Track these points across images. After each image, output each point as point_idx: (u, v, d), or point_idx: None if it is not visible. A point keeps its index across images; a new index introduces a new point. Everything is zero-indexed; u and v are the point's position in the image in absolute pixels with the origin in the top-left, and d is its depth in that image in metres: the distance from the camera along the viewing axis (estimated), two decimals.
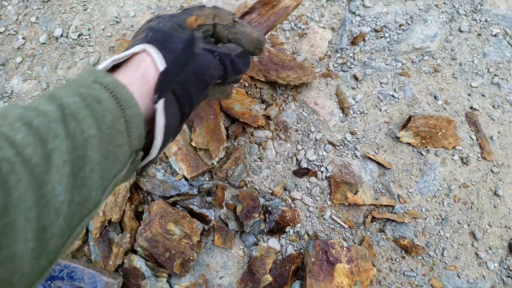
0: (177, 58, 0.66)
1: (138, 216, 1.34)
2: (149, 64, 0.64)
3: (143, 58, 0.65)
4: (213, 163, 1.32)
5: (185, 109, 0.70)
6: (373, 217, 1.27)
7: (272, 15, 1.03)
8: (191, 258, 1.25)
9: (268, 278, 1.21)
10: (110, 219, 1.28)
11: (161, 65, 0.64)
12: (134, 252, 1.29)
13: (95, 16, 1.52)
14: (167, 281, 1.28)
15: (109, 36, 1.51)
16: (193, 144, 1.31)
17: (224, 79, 0.80)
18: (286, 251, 1.28)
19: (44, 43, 1.52)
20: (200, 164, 1.33)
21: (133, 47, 0.66)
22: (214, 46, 0.78)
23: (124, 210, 1.30)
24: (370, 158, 1.31)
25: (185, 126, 1.36)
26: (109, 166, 0.53)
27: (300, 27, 1.44)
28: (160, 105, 0.62)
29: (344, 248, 1.21)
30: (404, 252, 1.24)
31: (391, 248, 1.25)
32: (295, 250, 1.29)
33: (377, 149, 1.33)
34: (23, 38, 1.54)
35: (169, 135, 0.67)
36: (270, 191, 1.34)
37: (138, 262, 1.25)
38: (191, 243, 1.26)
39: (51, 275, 1.12)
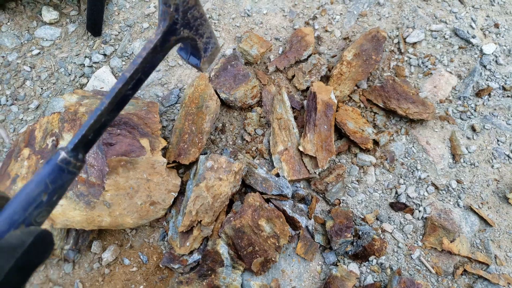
0: None
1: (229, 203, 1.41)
2: None
3: None
4: (315, 173, 1.39)
5: None
6: (465, 270, 1.30)
7: None
8: (273, 259, 1.30)
9: None
10: (201, 220, 1.34)
11: None
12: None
13: (228, 4, 1.66)
14: (241, 275, 1.33)
15: (238, 27, 1.63)
16: (301, 148, 1.39)
17: None
18: (365, 279, 1.32)
19: None
20: (302, 170, 1.40)
21: None
22: None
23: (218, 216, 1.37)
24: (473, 211, 1.36)
25: (296, 130, 1.44)
26: None
27: (427, 66, 1.53)
28: None
29: None
30: None
31: None
32: (375, 281, 1.32)
33: (481, 203, 1.37)
34: (155, 7, 1.68)
35: None
36: (362, 217, 1.40)
37: (222, 248, 1.31)
38: (277, 244, 1.31)
39: (188, 21, 0.88)
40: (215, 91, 1.47)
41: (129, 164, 1.36)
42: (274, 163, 1.42)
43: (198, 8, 0.84)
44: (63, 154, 0.66)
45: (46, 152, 1.38)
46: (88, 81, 1.60)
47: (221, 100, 1.51)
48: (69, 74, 1.63)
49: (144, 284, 1.35)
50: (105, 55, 1.65)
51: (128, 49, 1.64)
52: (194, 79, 1.48)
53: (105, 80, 1.58)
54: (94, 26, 1.69)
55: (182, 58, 0.95)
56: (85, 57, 1.65)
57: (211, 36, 0.91)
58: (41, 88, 1.61)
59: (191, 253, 1.36)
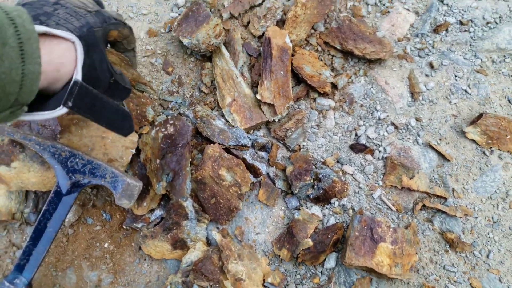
0: (94, 71, 0.73)
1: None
2: (69, 58, 0.68)
3: (68, 48, 0.68)
4: (271, 118, 1.31)
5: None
6: (424, 205, 1.26)
7: None
8: (236, 207, 1.24)
9: (309, 242, 1.20)
10: None
11: (79, 70, 0.68)
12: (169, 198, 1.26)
13: None
14: (206, 228, 1.27)
15: None
16: (258, 97, 1.30)
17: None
18: (328, 221, 1.28)
19: None
20: (254, 116, 1.32)
21: (66, 30, 0.68)
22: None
23: None
24: (431, 147, 1.30)
25: (240, 78, 1.34)
26: None
27: (384, 4, 1.43)
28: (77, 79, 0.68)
29: (391, 229, 1.20)
30: (448, 246, 1.24)
31: (436, 239, 1.25)
32: (337, 222, 1.28)
33: (440, 139, 1.32)
34: None
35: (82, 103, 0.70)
36: (322, 160, 1.33)
37: (186, 201, 1.23)
38: (239, 192, 1.25)
39: (73, 168, 1.11)
40: (178, 39, 1.35)
41: (82, 122, 1.26)
42: (226, 116, 1.33)
43: (79, 157, 1.09)
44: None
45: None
46: None
47: (185, 48, 1.39)
48: None
49: (109, 241, 1.29)
50: None
51: None
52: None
53: None
54: None
55: None
56: None
57: (116, 175, 1.10)
58: None
59: (152, 211, 1.28)
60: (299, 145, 1.35)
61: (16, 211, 1.26)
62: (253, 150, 1.33)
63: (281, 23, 1.43)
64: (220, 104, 1.36)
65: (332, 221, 1.28)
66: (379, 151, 1.32)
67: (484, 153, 1.30)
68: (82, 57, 0.69)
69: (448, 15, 1.41)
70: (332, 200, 1.30)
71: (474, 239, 1.24)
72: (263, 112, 1.32)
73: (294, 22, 1.37)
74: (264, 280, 1.21)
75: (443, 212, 1.25)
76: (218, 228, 1.29)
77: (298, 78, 1.38)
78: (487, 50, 1.38)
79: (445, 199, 1.27)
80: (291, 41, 1.36)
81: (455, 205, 1.26)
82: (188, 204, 1.24)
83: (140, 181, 1.17)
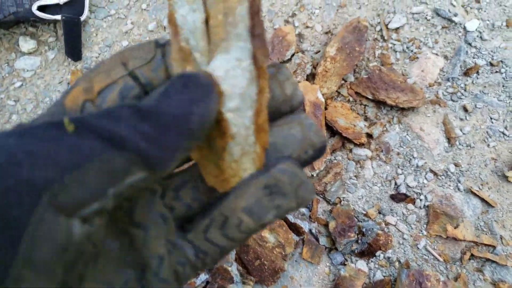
0: None
1: None
2: None
3: None
4: (312, 175, 1.30)
5: None
6: (472, 255, 1.22)
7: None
8: (281, 268, 1.22)
9: None
10: None
11: None
12: None
13: None
14: None
15: None
16: None
17: None
18: (374, 275, 1.24)
19: (152, 31, 1.53)
20: None
21: None
22: None
23: None
24: (474, 193, 1.27)
25: None
26: None
27: (412, 51, 1.41)
28: None
29: (441, 282, 1.16)
30: None
31: None
32: (384, 276, 1.24)
33: (481, 185, 1.28)
34: (132, 23, 1.55)
35: None
36: (364, 212, 1.31)
37: (231, 266, 1.22)
38: (283, 253, 1.23)
39: None
40: None
41: None
42: None
43: None
44: None
45: None
46: None
47: None
48: None
49: None
50: None
51: None
52: None
53: None
54: (73, 50, 1.57)
55: None
56: (68, 83, 1.54)
57: None
58: (28, 121, 1.49)
59: (197, 275, 1.27)
60: (339, 198, 1.33)
61: None
62: None
63: (310, 76, 1.43)
64: None
65: (378, 274, 1.25)
66: (420, 200, 1.29)
67: None
68: None
69: (477, 57, 1.39)
70: (377, 253, 1.27)
71: None
72: None
73: (324, 76, 1.37)
74: None
75: (493, 262, 1.21)
76: None
77: (332, 130, 1.37)
78: None
79: (494, 247, 1.22)
80: (323, 95, 1.36)
81: (505, 253, 1.22)
82: (233, 268, 1.22)
83: None
